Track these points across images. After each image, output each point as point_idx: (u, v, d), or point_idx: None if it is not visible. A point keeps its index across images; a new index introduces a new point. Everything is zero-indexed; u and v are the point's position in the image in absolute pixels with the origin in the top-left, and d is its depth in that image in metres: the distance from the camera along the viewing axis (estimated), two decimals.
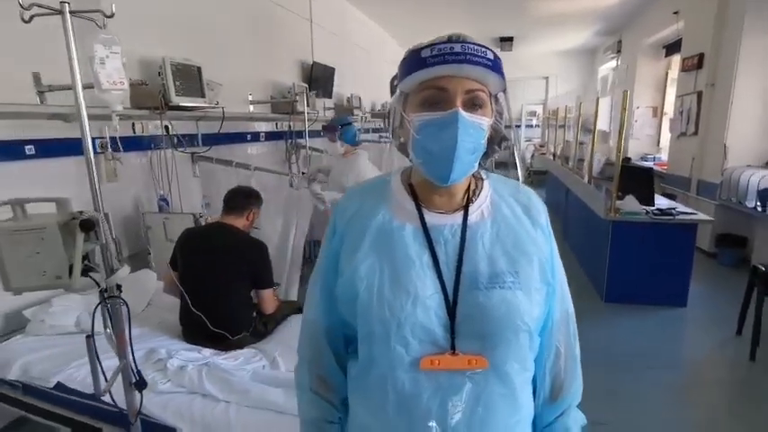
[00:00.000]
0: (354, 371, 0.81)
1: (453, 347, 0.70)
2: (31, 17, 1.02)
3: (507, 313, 0.71)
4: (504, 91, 0.76)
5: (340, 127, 3.07)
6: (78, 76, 1.07)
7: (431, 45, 0.69)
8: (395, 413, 0.73)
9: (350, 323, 0.79)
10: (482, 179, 0.82)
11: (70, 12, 1.02)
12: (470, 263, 0.73)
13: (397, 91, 0.77)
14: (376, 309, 0.72)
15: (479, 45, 0.69)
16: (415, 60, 0.71)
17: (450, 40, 0.69)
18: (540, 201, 0.83)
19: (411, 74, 0.71)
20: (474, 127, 0.70)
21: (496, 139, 0.77)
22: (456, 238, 0.75)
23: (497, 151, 0.78)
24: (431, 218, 0.77)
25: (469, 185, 0.79)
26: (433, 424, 0.70)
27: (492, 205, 0.78)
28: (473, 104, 0.71)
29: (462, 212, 0.77)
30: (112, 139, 2.51)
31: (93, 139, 2.52)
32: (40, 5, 1.00)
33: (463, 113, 0.69)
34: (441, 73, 0.69)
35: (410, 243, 0.75)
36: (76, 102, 1.10)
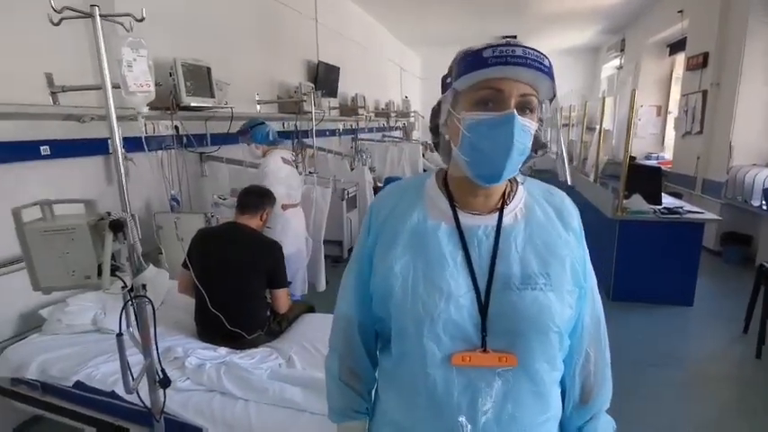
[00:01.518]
0: (387, 365, 0.83)
1: (484, 345, 0.72)
2: (60, 20, 1.03)
3: (539, 314, 0.72)
4: (551, 100, 0.76)
5: (250, 129, 3.02)
6: (108, 78, 1.08)
7: (492, 46, 0.69)
8: (426, 408, 0.74)
9: (382, 319, 0.80)
10: (518, 182, 0.82)
11: (100, 15, 1.03)
12: (503, 264, 0.74)
13: (449, 89, 0.76)
14: (410, 305, 0.73)
15: (537, 51, 0.70)
16: (475, 59, 0.70)
17: (508, 43, 0.69)
18: (572, 204, 0.83)
19: (469, 72, 0.71)
20: (525, 130, 0.71)
21: (536, 145, 0.77)
22: (490, 240, 0.76)
23: (535, 157, 0.78)
24: (465, 218, 0.78)
25: (505, 188, 0.80)
26: (462, 419, 0.72)
27: (526, 207, 0.79)
28: (524, 108, 0.71)
29: (497, 214, 0.78)
30: (125, 139, 2.52)
31: (105, 140, 2.55)
32: (71, 9, 1.01)
33: (518, 116, 0.69)
34: (500, 74, 0.69)
35: (444, 242, 0.76)
36: (106, 103, 1.10)
